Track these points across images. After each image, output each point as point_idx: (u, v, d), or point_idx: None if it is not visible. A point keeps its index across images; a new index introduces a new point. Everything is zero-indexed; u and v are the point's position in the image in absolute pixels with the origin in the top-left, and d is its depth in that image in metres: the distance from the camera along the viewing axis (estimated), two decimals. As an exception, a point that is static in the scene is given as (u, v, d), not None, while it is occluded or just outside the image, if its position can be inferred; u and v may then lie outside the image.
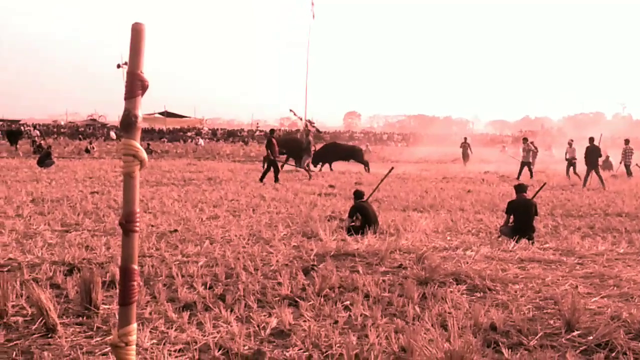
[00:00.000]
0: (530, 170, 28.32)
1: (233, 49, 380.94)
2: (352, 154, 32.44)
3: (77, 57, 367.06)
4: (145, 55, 2.89)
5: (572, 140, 28.60)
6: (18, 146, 43.60)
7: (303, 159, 25.32)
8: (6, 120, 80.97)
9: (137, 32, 2.85)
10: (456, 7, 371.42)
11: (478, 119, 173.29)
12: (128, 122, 2.89)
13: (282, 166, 29.16)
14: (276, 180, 22.89)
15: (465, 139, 40.09)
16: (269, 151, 23.51)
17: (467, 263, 8.69)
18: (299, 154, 30.25)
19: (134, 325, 2.88)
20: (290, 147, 31.93)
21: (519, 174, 27.60)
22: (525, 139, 29.96)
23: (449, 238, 11.17)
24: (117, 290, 6.93)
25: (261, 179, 22.99)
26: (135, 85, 2.88)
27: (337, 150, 31.60)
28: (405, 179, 26.15)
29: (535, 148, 35.62)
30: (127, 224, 2.90)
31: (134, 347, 2.88)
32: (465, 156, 38.35)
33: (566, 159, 27.68)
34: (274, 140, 23.79)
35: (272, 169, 23.13)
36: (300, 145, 30.44)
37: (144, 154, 2.90)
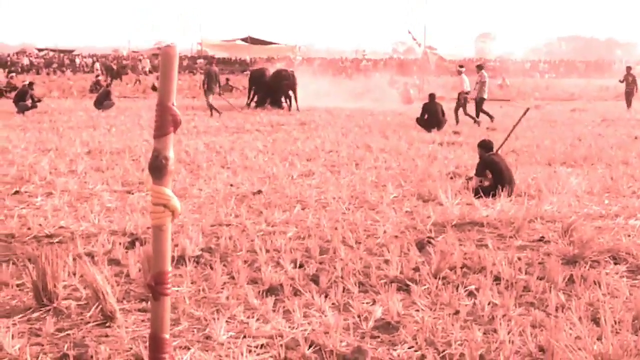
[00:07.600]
0: (477, 111, 25.13)
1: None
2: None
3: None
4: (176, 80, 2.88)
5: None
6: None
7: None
8: (58, 50, 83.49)
9: (168, 57, 2.82)
10: None
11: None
12: (157, 166, 2.89)
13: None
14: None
15: (629, 69, 36.11)
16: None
17: (630, 236, 8.51)
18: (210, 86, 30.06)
19: None
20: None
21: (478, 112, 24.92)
22: (479, 67, 26.77)
23: (607, 202, 10.91)
24: (188, 270, 7.17)
25: None
26: (166, 121, 2.86)
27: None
28: (551, 121, 25.61)
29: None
30: (157, 286, 2.89)
31: None
32: (629, 94, 34.88)
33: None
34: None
35: None
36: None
37: (176, 203, 2.95)
